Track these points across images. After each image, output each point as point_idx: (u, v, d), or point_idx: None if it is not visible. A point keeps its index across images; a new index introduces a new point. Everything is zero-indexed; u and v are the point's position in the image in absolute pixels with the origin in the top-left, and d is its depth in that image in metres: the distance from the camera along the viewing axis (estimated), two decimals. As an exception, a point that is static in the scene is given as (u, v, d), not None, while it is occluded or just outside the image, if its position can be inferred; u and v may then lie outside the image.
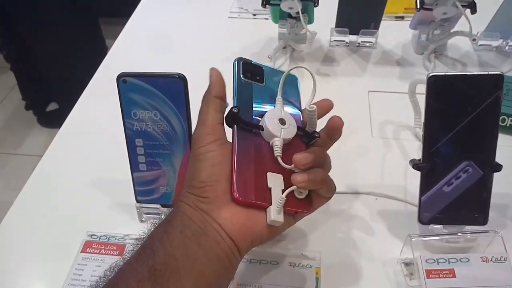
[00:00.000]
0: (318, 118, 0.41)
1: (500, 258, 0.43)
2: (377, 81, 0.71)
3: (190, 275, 0.32)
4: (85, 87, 0.74)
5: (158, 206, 0.52)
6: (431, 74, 0.44)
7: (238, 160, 0.38)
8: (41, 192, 0.58)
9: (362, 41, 0.78)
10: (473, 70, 0.72)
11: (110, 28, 1.43)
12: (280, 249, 0.49)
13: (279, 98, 0.42)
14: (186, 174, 0.38)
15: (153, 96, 0.46)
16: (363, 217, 0.52)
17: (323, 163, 0.39)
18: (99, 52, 1.44)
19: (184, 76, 0.45)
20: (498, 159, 0.45)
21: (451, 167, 0.45)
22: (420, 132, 0.60)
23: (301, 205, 0.39)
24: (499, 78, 0.43)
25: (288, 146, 0.40)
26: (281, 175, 0.39)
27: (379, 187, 0.55)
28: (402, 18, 0.85)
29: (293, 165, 0.38)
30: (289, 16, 0.73)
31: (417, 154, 0.59)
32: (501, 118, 0.61)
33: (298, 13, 0.68)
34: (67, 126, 0.67)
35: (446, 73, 0.44)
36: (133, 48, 0.83)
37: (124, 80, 0.45)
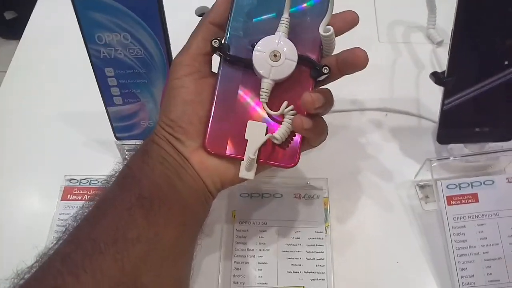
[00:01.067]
0: (339, 35, 0.33)
1: (528, 179, 0.39)
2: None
3: (177, 204, 0.31)
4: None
5: (141, 142, 0.45)
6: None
7: (217, 103, 0.32)
8: (4, 128, 0.51)
9: None
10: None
11: None
12: (283, 179, 0.45)
13: (283, 18, 0.32)
14: (162, 103, 0.34)
15: (120, 14, 0.36)
16: (372, 136, 0.47)
17: (328, 107, 0.32)
18: None
19: (156, -15, 0.35)
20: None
21: (479, 78, 0.39)
22: (434, 33, 0.53)
23: (282, 157, 0.33)
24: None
25: (291, 81, 0.32)
26: (264, 124, 0.32)
27: (388, 101, 0.49)
28: None
29: (280, 111, 0.31)
30: None
31: (430, 59, 0.53)
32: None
33: None
34: (25, 42, 0.58)
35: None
36: None
37: (80, -5, 0.36)
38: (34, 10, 0.60)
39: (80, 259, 0.26)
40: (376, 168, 0.45)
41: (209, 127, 0.32)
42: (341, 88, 0.48)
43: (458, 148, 0.43)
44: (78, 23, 0.37)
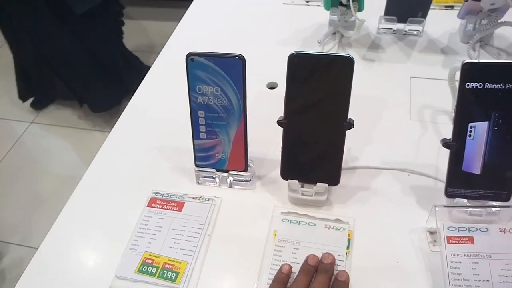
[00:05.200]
0: None
1: (518, 231, 0.47)
2: (420, 68, 0.75)
3: None
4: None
5: (214, 170, 0.60)
6: (465, 61, 0.48)
7: None
8: (113, 158, 0.68)
9: (409, 29, 0.81)
10: (518, 59, 0.74)
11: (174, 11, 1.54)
12: (318, 214, 0.56)
13: None
14: None
15: (215, 73, 0.53)
16: (395, 191, 0.58)
17: None
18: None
19: (243, 57, 0.52)
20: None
21: (480, 146, 0.50)
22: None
23: None
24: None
25: None
26: None
27: (412, 165, 0.60)
28: (451, 7, 0.87)
29: None
30: (340, 3, 0.78)
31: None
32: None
33: (348, 1, 0.73)
34: (133, 104, 0.77)
35: (480, 61, 0.48)
36: (194, 32, 0.91)
37: (192, 59, 0.53)
38: (142, 82, 0.81)
39: None
40: (395, 215, 0.55)
41: None
42: (375, 150, 0.62)
43: (464, 204, 0.52)
44: (187, 77, 0.54)
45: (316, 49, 0.80)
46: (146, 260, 0.54)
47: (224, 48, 0.54)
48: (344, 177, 0.57)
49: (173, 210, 0.59)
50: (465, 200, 0.52)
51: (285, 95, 0.52)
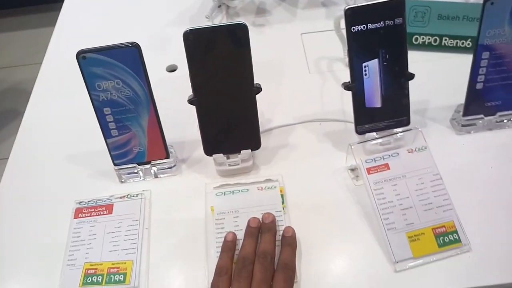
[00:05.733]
0: None
1: (422, 148, 0.53)
2: (308, 24, 0.79)
3: None
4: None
5: (135, 164, 0.58)
6: (346, 8, 0.52)
7: None
8: (22, 182, 0.62)
9: (288, -11, 0.85)
10: None
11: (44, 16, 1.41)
12: (248, 179, 0.58)
13: None
14: None
15: (112, 66, 0.51)
16: (312, 141, 0.62)
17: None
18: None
19: (138, 44, 0.50)
20: (414, 71, 0.54)
21: (376, 82, 0.55)
22: (349, 61, 0.69)
23: None
24: (401, 3, 0.52)
25: None
26: None
27: (321, 114, 0.64)
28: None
29: None
30: (219, -25, 0.78)
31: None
32: (414, 37, 0.71)
33: (226, -29, 0.74)
34: (27, 121, 0.71)
35: (359, 5, 0.52)
36: (76, 31, 0.86)
37: (83, 57, 0.50)
38: (34, 88, 0.75)
39: None
40: (317, 162, 0.59)
41: None
42: (285, 109, 0.65)
43: (373, 137, 0.57)
44: (82, 76, 0.51)
45: (206, 24, 0.80)
46: (88, 271, 0.51)
47: (113, 40, 0.51)
48: (264, 140, 0.59)
49: (103, 214, 0.56)
50: (374, 133, 0.57)
51: (189, 73, 0.51)
